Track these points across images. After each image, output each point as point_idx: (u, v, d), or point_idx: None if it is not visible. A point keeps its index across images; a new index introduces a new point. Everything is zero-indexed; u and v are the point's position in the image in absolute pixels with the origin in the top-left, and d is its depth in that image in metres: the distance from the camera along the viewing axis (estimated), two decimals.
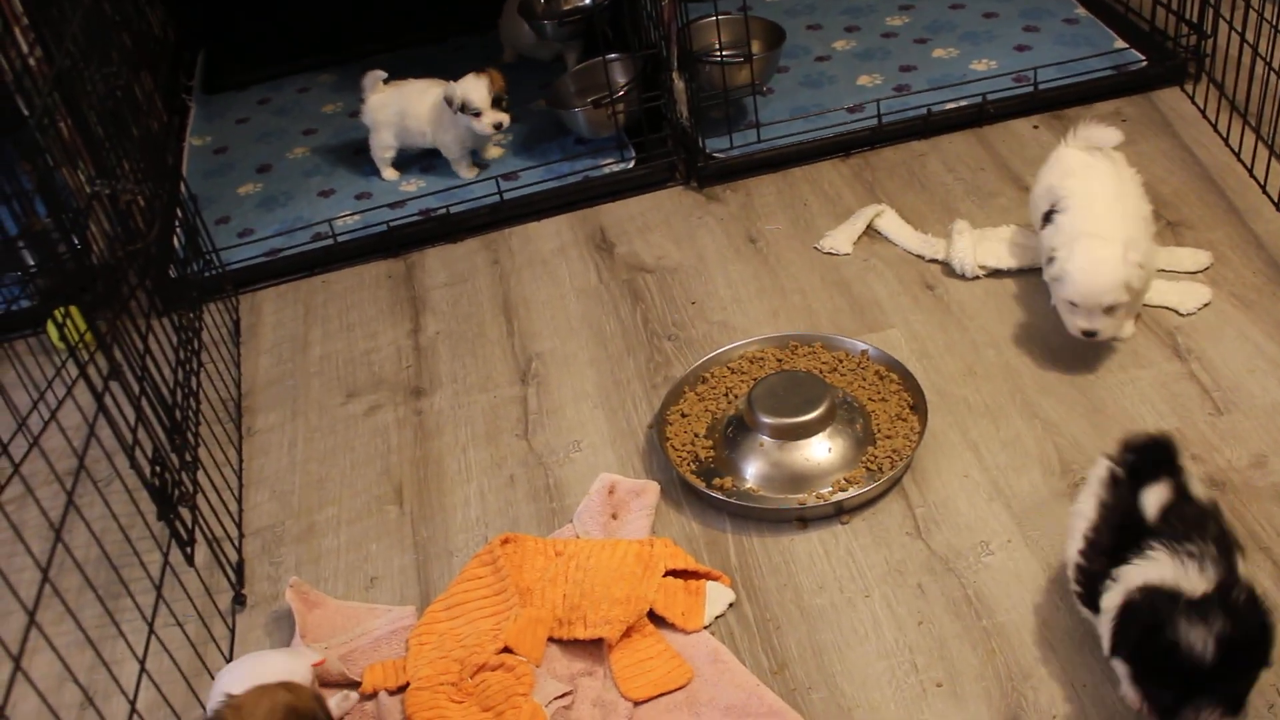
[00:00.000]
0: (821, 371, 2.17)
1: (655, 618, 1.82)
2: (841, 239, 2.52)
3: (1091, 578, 1.55)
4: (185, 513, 1.92)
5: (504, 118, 2.79)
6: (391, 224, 2.79)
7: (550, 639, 1.82)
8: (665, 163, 2.83)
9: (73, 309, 2.03)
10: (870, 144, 2.80)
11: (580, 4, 3.19)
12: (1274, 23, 2.30)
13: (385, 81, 2.93)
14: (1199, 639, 1.36)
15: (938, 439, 2.04)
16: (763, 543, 1.93)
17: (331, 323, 2.62)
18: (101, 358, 1.76)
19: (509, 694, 1.71)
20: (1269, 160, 2.32)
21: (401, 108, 2.88)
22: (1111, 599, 1.49)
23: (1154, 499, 1.54)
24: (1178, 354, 2.11)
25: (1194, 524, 1.49)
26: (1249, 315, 2.16)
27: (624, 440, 2.17)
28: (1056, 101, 2.80)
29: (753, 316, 2.39)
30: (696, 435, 2.11)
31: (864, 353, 2.19)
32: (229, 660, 1.87)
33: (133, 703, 1.62)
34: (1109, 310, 2.01)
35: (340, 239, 2.78)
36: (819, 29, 3.23)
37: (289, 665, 1.70)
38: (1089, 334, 2.04)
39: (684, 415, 2.15)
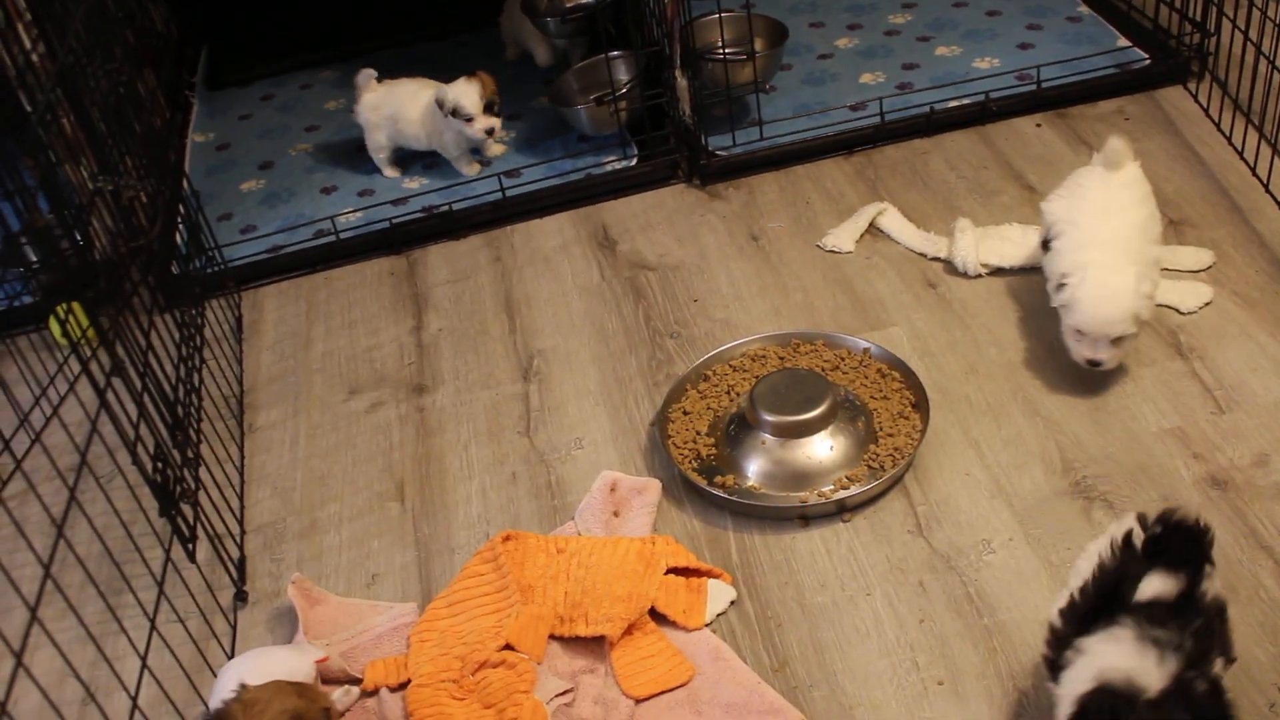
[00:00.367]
0: (823, 369, 2.17)
1: (656, 615, 1.83)
2: (844, 237, 2.52)
3: (1061, 642, 1.43)
4: (187, 509, 1.92)
5: (495, 123, 2.79)
6: (394, 221, 2.79)
7: (552, 636, 1.82)
8: (668, 160, 2.83)
9: (75, 305, 2.02)
10: (873, 142, 2.80)
11: (583, 1, 3.19)
12: (1277, 21, 2.30)
13: (378, 80, 2.92)
14: None
15: (939, 437, 2.04)
16: (764, 540, 1.93)
17: (333, 319, 2.63)
18: (104, 354, 1.76)
19: (510, 691, 1.71)
20: (1272, 159, 2.32)
21: (393, 110, 2.87)
22: (1068, 683, 1.38)
23: (1154, 587, 1.39)
24: (1180, 352, 2.11)
25: (1178, 612, 1.36)
26: (1251, 314, 2.16)
27: (626, 438, 2.17)
28: (1059, 100, 2.79)
29: (755, 314, 2.39)
30: (698, 433, 2.11)
31: (866, 351, 2.19)
32: (230, 657, 1.87)
33: (134, 699, 1.62)
34: (1116, 341, 1.99)
35: (342, 236, 2.78)
36: (822, 27, 3.22)
37: (293, 662, 1.71)
38: (1094, 364, 2.01)
39: (686, 413, 2.15)
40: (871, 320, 2.32)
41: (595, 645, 1.80)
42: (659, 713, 1.70)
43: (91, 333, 1.83)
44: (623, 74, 2.93)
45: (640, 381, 2.29)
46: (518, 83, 3.25)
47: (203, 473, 2.05)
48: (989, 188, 2.60)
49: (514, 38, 3.36)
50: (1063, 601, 1.46)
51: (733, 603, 1.84)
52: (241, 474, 2.26)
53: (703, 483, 2.00)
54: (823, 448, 2.00)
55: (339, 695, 1.76)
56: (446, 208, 2.79)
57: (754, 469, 2.01)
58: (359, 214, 2.85)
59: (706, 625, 1.81)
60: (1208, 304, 2.19)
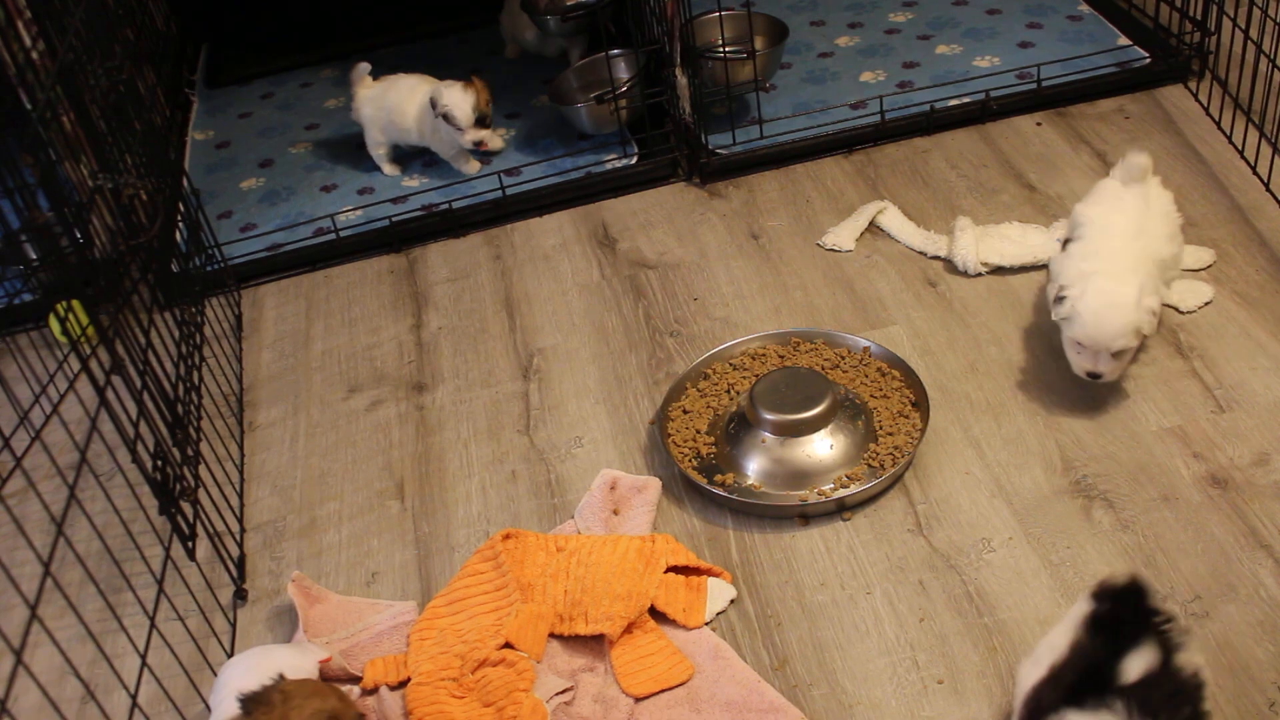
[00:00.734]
0: (823, 368, 2.17)
1: (656, 614, 1.83)
2: (844, 235, 2.52)
3: (1040, 710, 1.39)
4: (187, 507, 1.92)
5: (485, 135, 2.78)
6: (394, 219, 2.79)
7: (551, 635, 1.82)
8: (668, 159, 2.82)
9: (75, 303, 2.02)
10: (873, 140, 2.80)
11: None
12: (1278, 20, 2.30)
13: (373, 76, 2.92)
14: None
15: (939, 436, 2.04)
16: (764, 539, 1.93)
17: (333, 318, 2.62)
18: (103, 352, 1.76)
19: (510, 689, 1.71)
20: (1272, 158, 2.32)
21: (389, 106, 2.87)
22: None
23: (1138, 665, 1.36)
24: (1180, 351, 2.11)
25: (1169, 699, 1.33)
26: (1251, 313, 2.16)
27: (626, 436, 2.17)
28: (1060, 98, 2.79)
29: (755, 313, 2.39)
30: (698, 431, 2.11)
31: (866, 349, 2.19)
32: (230, 655, 1.87)
33: (134, 697, 1.62)
34: (1117, 354, 1.95)
35: (342, 234, 2.78)
36: (822, 25, 3.22)
37: (295, 661, 1.71)
38: (1094, 376, 1.99)
39: (686, 411, 2.15)
40: (871, 319, 2.32)
41: (595, 643, 1.80)
42: (659, 711, 1.70)
43: (91, 331, 1.83)
44: (623, 72, 2.93)
45: (640, 380, 2.29)
46: (518, 81, 3.25)
47: (202, 471, 2.05)
48: (989, 186, 2.60)
49: (514, 36, 3.36)
50: (1038, 675, 1.42)
51: (732, 601, 1.84)
52: (241, 472, 2.26)
53: (703, 481, 2.00)
54: (823, 446, 2.00)
55: None
56: (446, 206, 2.79)
57: (754, 467, 2.01)
58: (359, 212, 2.85)
59: (706, 624, 1.81)
60: (1208, 303, 2.19)
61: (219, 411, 2.35)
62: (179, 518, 1.89)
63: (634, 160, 2.84)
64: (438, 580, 1.97)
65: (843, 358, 2.19)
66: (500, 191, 2.79)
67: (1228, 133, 2.55)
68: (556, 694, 1.73)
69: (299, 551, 2.08)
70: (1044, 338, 2.18)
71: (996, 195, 2.57)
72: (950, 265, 2.40)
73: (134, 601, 1.77)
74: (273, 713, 1.48)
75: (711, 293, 2.46)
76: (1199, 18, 2.72)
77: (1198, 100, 2.71)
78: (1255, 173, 2.40)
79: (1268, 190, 2.37)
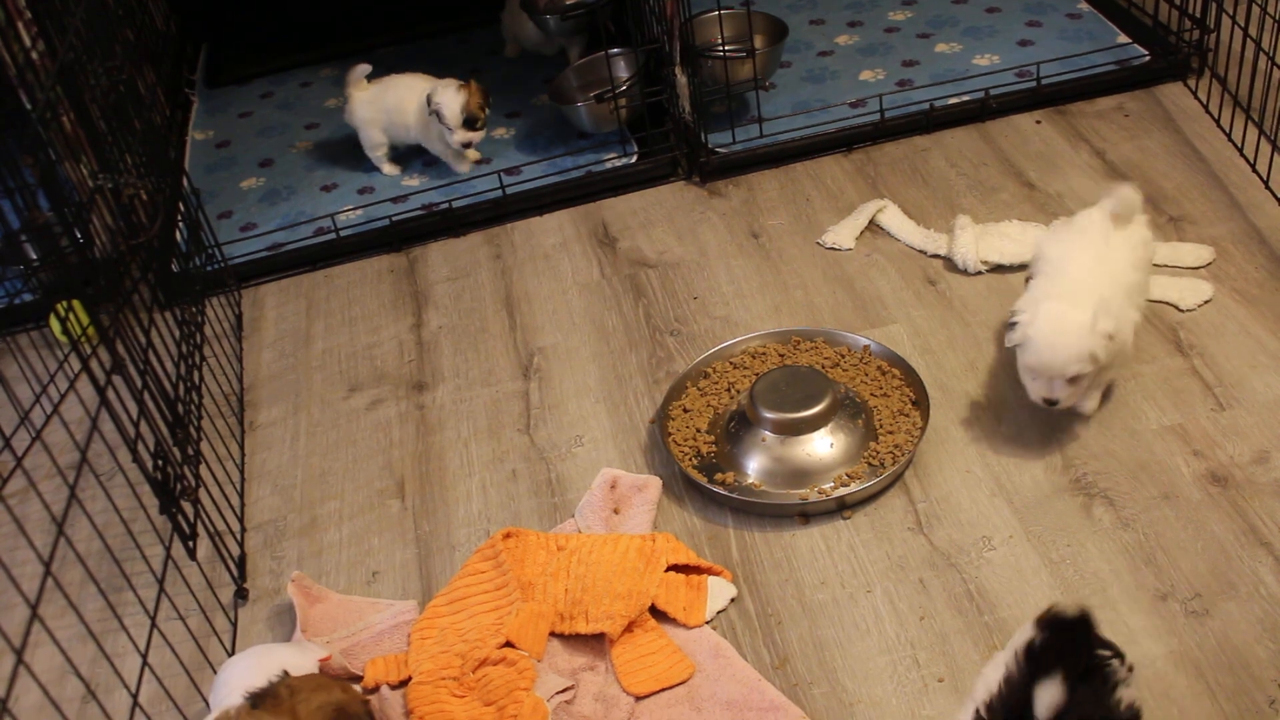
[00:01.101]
0: (824, 367, 2.17)
1: (657, 613, 1.83)
2: (844, 234, 2.52)
3: None
4: (187, 506, 1.93)
5: (473, 137, 2.78)
6: (394, 218, 2.79)
7: (552, 634, 1.82)
8: (667, 158, 2.82)
9: (75, 303, 2.03)
10: (872, 139, 2.80)
11: None
12: (1277, 17, 2.30)
13: (370, 78, 2.92)
14: None
15: (939, 434, 2.04)
16: (764, 538, 1.93)
17: (334, 317, 2.63)
18: (104, 351, 1.76)
19: (510, 688, 1.71)
20: (1271, 155, 2.32)
21: (389, 106, 2.87)
22: None
23: (1047, 698, 1.29)
24: (1180, 349, 2.11)
25: None
26: (1251, 311, 2.16)
27: (626, 435, 2.17)
28: (1059, 96, 2.79)
29: (755, 311, 2.39)
30: (698, 430, 2.11)
31: (866, 348, 2.19)
32: (231, 654, 1.87)
33: (135, 696, 1.63)
34: (1073, 380, 1.88)
35: (342, 233, 2.78)
36: (821, 24, 3.22)
37: (296, 660, 1.71)
38: (1050, 403, 1.91)
39: (686, 410, 2.15)
40: (872, 317, 2.32)
41: (595, 642, 1.81)
42: (659, 710, 1.70)
43: (92, 330, 1.83)
44: (622, 71, 2.93)
45: (640, 379, 2.29)
46: (518, 80, 3.25)
47: (203, 470, 2.05)
48: (989, 185, 2.60)
49: (514, 35, 3.36)
50: (967, 716, 1.36)
51: (733, 600, 1.84)
52: (242, 471, 2.26)
53: (703, 480, 2.00)
54: (823, 445, 2.00)
55: None
56: (446, 205, 2.79)
57: (754, 466, 2.01)
58: (359, 211, 2.85)
59: (707, 622, 1.81)
60: (1208, 301, 2.19)
61: (219, 411, 2.35)
62: (179, 517, 1.89)
63: (634, 159, 2.84)
64: (438, 579, 1.97)
65: (843, 356, 2.19)
66: (500, 191, 2.80)
67: (1227, 130, 2.55)
68: (557, 693, 1.73)
69: (299, 550, 2.08)
70: None
71: (996, 193, 2.57)
72: (950, 263, 2.40)
73: (134, 601, 1.77)
74: (280, 706, 1.48)
75: (711, 291, 2.47)
76: (1198, 15, 2.72)
77: (1197, 98, 2.71)
78: (1255, 170, 2.40)
79: (1267, 188, 2.37)
